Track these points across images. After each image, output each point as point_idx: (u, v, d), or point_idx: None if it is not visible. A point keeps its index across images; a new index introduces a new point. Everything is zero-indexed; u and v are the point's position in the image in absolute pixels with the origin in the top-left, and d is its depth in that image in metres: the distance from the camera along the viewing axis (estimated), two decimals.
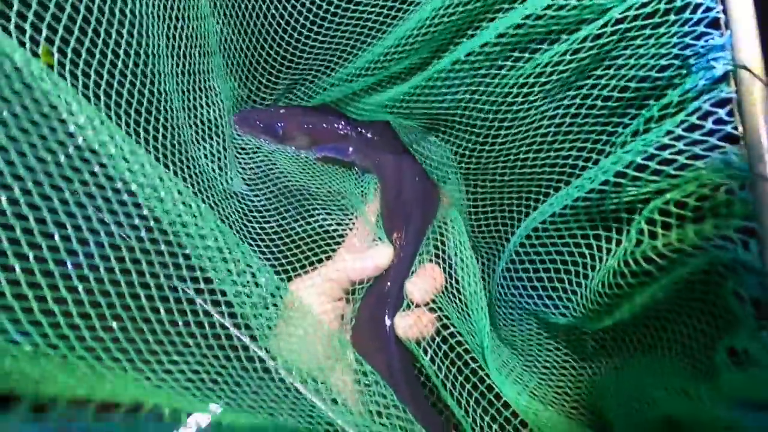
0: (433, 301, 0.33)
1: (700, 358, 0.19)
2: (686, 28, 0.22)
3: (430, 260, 0.35)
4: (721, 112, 0.20)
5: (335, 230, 0.35)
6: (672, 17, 0.22)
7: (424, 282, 0.33)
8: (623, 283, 0.22)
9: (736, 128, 0.19)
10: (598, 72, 0.26)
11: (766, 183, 0.17)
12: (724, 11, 0.21)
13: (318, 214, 0.35)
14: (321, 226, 0.35)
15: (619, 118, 0.25)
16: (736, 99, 0.20)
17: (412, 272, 0.35)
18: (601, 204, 0.24)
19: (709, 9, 0.21)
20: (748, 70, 0.20)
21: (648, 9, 0.22)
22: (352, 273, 0.33)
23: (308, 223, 0.35)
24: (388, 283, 0.35)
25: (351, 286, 0.33)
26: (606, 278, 0.23)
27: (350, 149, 0.42)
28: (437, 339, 0.31)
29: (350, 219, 0.36)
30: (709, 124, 0.20)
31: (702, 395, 0.18)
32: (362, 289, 0.34)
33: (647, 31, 0.23)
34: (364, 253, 0.35)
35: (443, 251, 0.35)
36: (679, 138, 0.21)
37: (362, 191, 0.41)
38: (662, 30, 0.22)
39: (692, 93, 0.21)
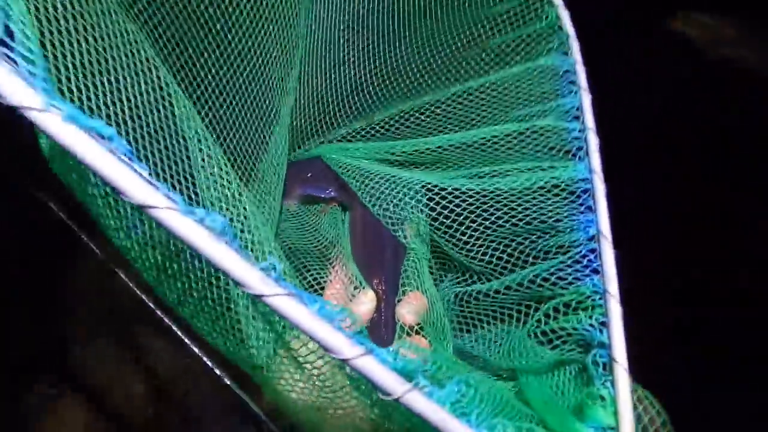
0: (420, 326, 0.36)
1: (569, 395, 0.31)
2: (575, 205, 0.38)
3: (411, 290, 0.38)
4: (591, 256, 0.34)
5: (324, 281, 0.39)
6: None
7: (411, 304, 0.37)
8: (526, 345, 0.34)
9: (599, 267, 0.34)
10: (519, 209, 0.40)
11: (611, 298, 0.31)
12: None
13: (312, 268, 0.40)
14: (315, 280, 0.39)
15: (531, 243, 0.39)
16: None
17: (399, 300, 0.38)
18: (518, 295, 0.37)
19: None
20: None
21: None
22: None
23: (305, 278, 0.39)
24: (382, 329, 0.38)
25: None
26: (516, 341, 0.35)
27: (330, 189, 0.47)
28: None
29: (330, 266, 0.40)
30: (584, 261, 0.34)
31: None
32: None
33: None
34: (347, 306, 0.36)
35: (420, 281, 0.39)
36: (568, 266, 0.35)
37: (338, 235, 0.44)
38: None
39: (576, 243, 0.36)
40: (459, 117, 0.49)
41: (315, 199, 0.49)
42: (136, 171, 0.17)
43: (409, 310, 0.36)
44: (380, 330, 0.38)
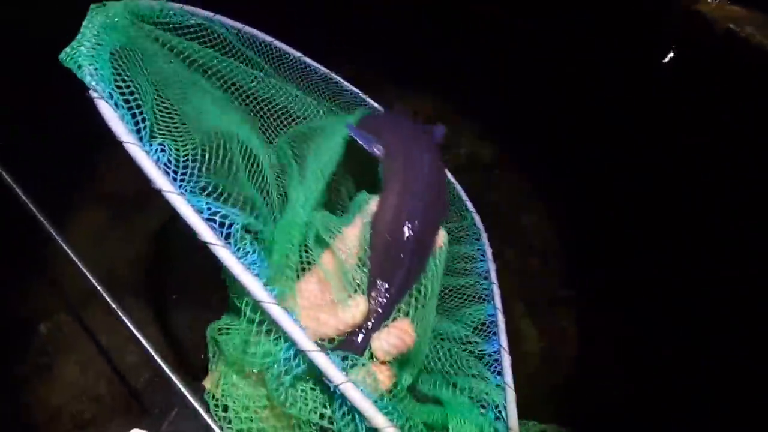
0: (395, 359, 0.33)
1: None
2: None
3: (407, 314, 0.34)
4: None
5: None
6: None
7: (391, 339, 0.32)
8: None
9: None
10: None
11: (509, 389, 0.38)
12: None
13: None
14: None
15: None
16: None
17: (386, 325, 0.34)
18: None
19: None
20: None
21: None
22: (321, 329, 0.32)
23: None
24: (359, 335, 0.33)
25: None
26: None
27: (375, 148, 0.42)
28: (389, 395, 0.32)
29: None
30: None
31: None
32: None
33: None
34: (335, 311, 0.33)
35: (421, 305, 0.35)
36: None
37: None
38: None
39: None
40: None
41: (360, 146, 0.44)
42: None
43: (385, 344, 0.32)
44: (355, 341, 0.33)
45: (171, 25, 0.43)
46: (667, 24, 0.97)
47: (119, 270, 0.78)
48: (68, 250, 0.40)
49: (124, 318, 0.36)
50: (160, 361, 0.34)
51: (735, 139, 0.86)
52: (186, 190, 0.27)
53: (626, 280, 0.87)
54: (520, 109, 1.03)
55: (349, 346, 0.32)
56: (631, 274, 0.88)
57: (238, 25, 0.51)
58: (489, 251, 0.62)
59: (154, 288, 0.78)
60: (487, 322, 0.48)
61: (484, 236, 0.65)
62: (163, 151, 0.28)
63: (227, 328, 0.33)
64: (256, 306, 0.27)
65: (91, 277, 0.37)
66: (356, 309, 0.33)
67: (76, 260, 0.39)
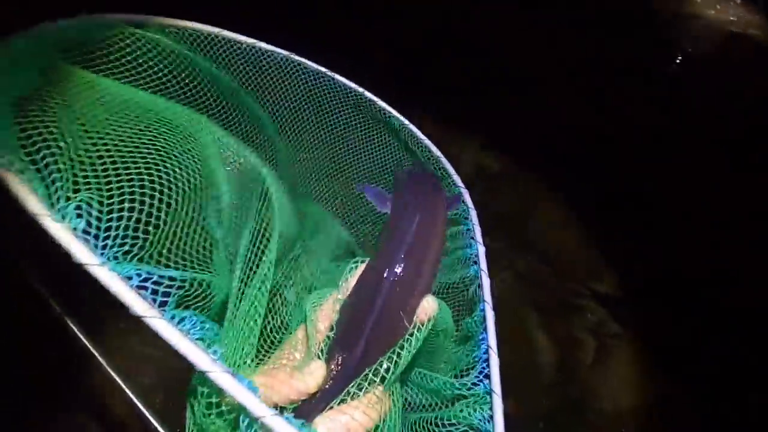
0: None
1: None
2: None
3: (367, 389, 0.32)
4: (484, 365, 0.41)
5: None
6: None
7: (338, 421, 0.30)
8: None
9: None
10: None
11: (496, 395, 0.37)
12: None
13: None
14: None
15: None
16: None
17: (343, 399, 0.31)
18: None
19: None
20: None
21: None
22: (274, 396, 0.30)
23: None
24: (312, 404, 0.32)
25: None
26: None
27: (386, 210, 0.42)
28: None
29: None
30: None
31: None
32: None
33: None
34: (293, 375, 0.31)
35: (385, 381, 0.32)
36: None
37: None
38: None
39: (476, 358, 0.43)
40: None
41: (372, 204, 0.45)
42: None
43: (331, 423, 0.30)
44: (306, 409, 0.32)
45: (101, 46, 0.40)
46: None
47: None
48: None
49: None
50: None
51: None
52: (109, 258, 0.25)
53: (643, 286, 0.85)
54: (527, 118, 0.99)
55: (299, 414, 0.30)
56: (647, 279, 0.85)
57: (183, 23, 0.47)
58: (478, 231, 0.59)
59: None
60: (477, 324, 0.47)
61: (473, 213, 0.62)
62: (80, 216, 0.25)
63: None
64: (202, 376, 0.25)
65: None
66: (310, 377, 0.32)
67: None
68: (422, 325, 0.35)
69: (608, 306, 0.86)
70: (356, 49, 1.01)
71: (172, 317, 0.25)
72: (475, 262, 0.55)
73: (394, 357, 0.33)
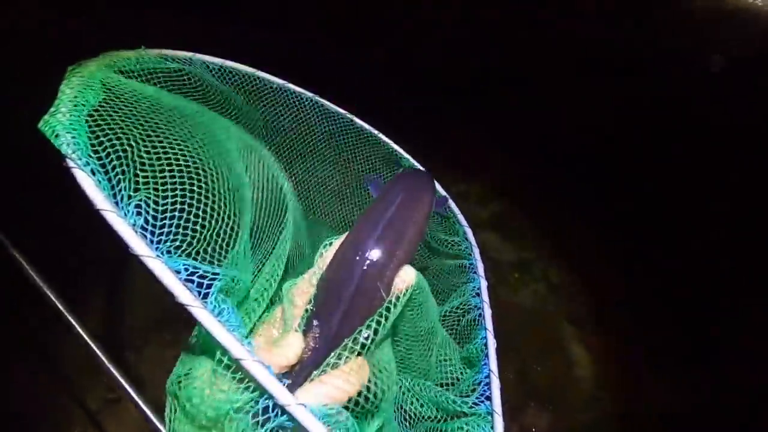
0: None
1: None
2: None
3: (348, 358, 0.32)
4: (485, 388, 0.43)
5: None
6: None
7: (319, 393, 0.29)
8: None
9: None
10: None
11: (497, 416, 0.39)
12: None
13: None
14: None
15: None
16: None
17: (323, 370, 0.31)
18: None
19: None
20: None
21: None
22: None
23: None
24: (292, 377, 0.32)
25: None
26: None
27: (373, 188, 0.46)
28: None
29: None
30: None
31: None
32: None
33: None
34: (271, 350, 0.32)
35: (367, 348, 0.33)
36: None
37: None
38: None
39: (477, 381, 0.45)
40: None
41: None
42: None
43: (312, 398, 0.29)
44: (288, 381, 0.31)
45: (152, 72, 0.44)
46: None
47: None
48: None
49: None
50: None
51: None
52: (162, 252, 0.28)
53: (683, 295, 0.84)
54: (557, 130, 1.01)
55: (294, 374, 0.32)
56: (686, 287, 0.85)
57: (218, 61, 0.52)
58: (480, 266, 0.63)
59: None
60: (480, 345, 0.49)
61: (476, 251, 0.65)
62: (139, 213, 0.28)
63: (186, 377, 0.31)
64: (236, 364, 0.27)
65: None
66: (288, 348, 0.32)
67: None
68: (401, 294, 0.36)
69: (648, 315, 0.84)
70: (356, 49, 1.07)
71: (213, 308, 0.28)
72: (478, 294, 0.58)
73: (373, 325, 0.34)
